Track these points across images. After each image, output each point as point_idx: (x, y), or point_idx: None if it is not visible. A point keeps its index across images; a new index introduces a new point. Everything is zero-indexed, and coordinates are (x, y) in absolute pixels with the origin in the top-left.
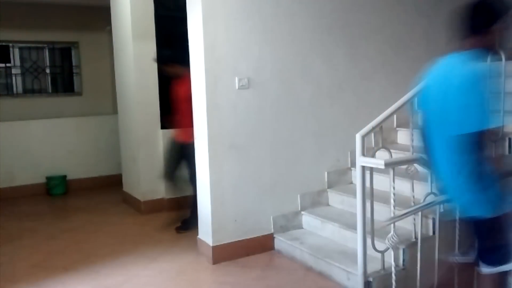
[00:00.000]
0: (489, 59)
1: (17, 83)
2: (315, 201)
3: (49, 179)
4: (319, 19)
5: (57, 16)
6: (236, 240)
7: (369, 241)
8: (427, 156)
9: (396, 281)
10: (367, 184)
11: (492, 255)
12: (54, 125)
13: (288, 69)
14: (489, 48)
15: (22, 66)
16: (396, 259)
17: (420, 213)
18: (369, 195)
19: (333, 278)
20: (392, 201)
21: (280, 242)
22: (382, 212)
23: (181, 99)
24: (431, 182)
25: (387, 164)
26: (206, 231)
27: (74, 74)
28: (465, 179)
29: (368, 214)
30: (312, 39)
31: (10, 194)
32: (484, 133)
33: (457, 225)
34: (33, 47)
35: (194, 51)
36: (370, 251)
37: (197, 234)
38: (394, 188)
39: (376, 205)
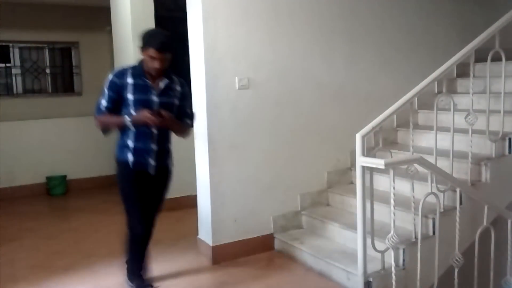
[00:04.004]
0: None
1: (17, 83)
2: (315, 201)
3: (49, 179)
4: (319, 19)
5: (57, 16)
6: (236, 240)
7: (369, 241)
8: None
9: (396, 281)
10: (367, 184)
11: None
12: (54, 125)
13: (288, 69)
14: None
15: (22, 66)
16: (396, 259)
17: (420, 213)
18: (369, 195)
19: (333, 278)
20: (392, 201)
21: (280, 242)
22: (382, 212)
23: None
24: (431, 182)
25: (387, 164)
26: (206, 231)
27: (74, 74)
28: None
29: (368, 214)
30: (312, 39)
31: (10, 194)
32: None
33: (457, 224)
34: (33, 47)
35: (194, 51)
36: (370, 251)
37: (197, 234)
38: (394, 188)
39: (376, 205)
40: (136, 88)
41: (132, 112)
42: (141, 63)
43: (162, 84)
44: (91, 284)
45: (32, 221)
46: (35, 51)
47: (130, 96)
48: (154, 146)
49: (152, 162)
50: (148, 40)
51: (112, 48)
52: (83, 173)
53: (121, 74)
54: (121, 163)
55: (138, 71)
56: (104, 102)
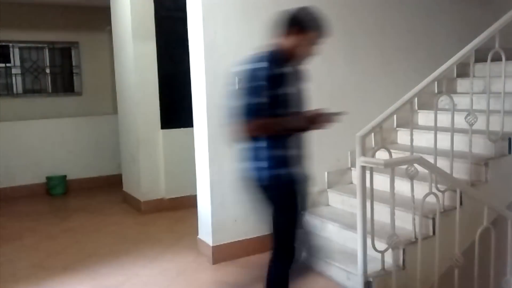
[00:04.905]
0: None
1: (17, 83)
2: (315, 201)
3: (49, 179)
4: None
5: (57, 16)
6: (236, 240)
7: (369, 241)
8: None
9: (396, 281)
10: (367, 184)
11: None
12: (54, 125)
13: None
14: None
15: (22, 66)
16: (396, 259)
17: (420, 213)
18: (369, 195)
19: (333, 278)
20: (392, 201)
21: None
22: (382, 212)
23: None
24: (431, 182)
25: (387, 164)
26: (206, 231)
27: (74, 74)
28: None
29: (368, 214)
30: None
31: (10, 194)
32: None
33: (457, 225)
34: (33, 47)
35: (194, 51)
36: (370, 251)
37: (197, 234)
38: (394, 188)
39: (376, 205)
40: (288, 79)
41: (282, 110)
42: (279, 48)
43: (304, 72)
44: (91, 284)
45: (32, 221)
46: (35, 51)
47: (283, 90)
48: (301, 152)
49: (300, 170)
50: (311, 22)
51: (112, 48)
52: (83, 173)
53: (269, 62)
54: (277, 179)
55: (280, 57)
56: (260, 100)
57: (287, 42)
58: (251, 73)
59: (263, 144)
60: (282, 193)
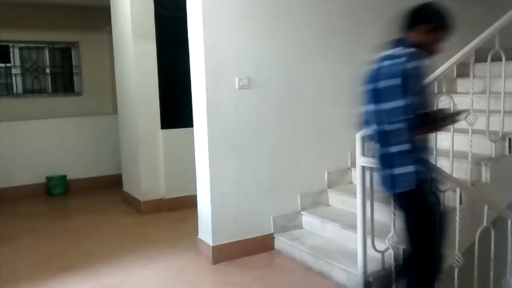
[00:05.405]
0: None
1: (17, 83)
2: (315, 201)
3: (49, 179)
4: (320, 18)
5: (57, 16)
6: (236, 240)
7: (369, 241)
8: None
9: (396, 281)
10: (367, 184)
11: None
12: (54, 125)
13: (288, 69)
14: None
15: (22, 66)
16: (396, 259)
17: None
18: (369, 195)
19: (333, 278)
20: (392, 201)
21: (280, 242)
22: (382, 212)
23: None
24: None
25: None
26: (206, 231)
27: (74, 74)
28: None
29: (368, 214)
30: (313, 38)
31: (10, 194)
32: None
33: (457, 224)
34: (33, 47)
35: (194, 51)
36: (370, 251)
37: (197, 234)
38: None
39: (376, 205)
40: (426, 76)
41: (425, 109)
42: (412, 43)
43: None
44: (91, 284)
45: (31, 221)
46: (35, 51)
47: (424, 88)
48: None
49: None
50: (443, 19)
51: (112, 48)
52: (83, 173)
53: (415, 58)
54: (423, 182)
55: (420, 54)
56: (415, 99)
57: (420, 38)
58: (403, 71)
59: (407, 147)
60: (425, 197)
